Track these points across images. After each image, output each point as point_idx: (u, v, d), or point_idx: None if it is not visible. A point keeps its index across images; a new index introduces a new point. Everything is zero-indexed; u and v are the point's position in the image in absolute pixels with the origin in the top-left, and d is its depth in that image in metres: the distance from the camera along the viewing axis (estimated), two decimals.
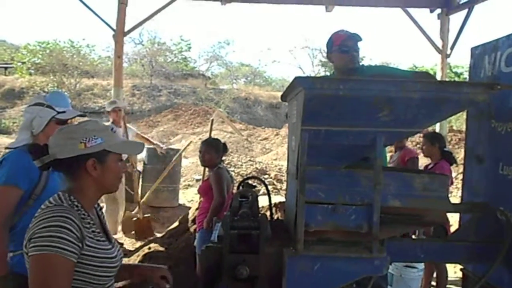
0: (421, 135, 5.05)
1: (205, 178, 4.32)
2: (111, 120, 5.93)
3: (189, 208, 6.36)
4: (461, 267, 2.62)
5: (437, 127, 7.45)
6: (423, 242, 2.40)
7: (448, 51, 7.40)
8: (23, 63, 22.18)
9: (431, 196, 1.98)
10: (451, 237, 2.50)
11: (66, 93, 2.77)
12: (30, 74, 22.09)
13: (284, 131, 16.24)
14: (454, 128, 17.07)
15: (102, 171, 1.54)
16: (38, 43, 22.74)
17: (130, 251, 5.48)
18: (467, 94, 1.79)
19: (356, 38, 2.90)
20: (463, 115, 17.89)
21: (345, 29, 2.99)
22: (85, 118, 2.10)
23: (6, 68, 24.89)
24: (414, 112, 1.85)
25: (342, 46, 2.90)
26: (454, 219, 3.63)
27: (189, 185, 10.19)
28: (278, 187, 9.49)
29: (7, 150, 2.41)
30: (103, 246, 1.52)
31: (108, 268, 1.52)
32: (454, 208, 2.16)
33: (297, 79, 1.78)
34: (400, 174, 2.03)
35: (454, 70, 20.79)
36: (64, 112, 2.41)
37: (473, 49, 2.66)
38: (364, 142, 1.91)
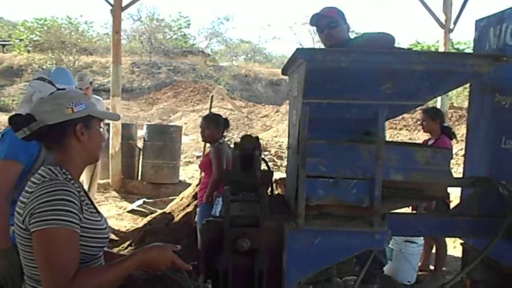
0: (420, 110, 4.98)
1: (206, 153, 4.31)
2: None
3: (190, 184, 6.37)
4: (462, 241, 2.63)
5: (438, 103, 7.39)
6: (424, 217, 2.40)
7: (451, 26, 7.27)
8: (21, 40, 21.96)
9: (433, 170, 1.96)
10: (452, 212, 2.49)
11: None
12: (28, 51, 21.89)
13: (284, 108, 16.19)
14: (455, 104, 17.02)
15: (88, 136, 1.55)
16: (36, 20, 22.48)
17: (132, 227, 5.52)
18: (472, 66, 1.75)
19: (328, 14, 2.89)
20: (464, 92, 17.92)
21: (326, 6, 2.96)
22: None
23: (3, 45, 24.65)
24: (417, 85, 1.81)
25: (318, 26, 2.94)
26: (454, 194, 3.63)
27: (189, 161, 10.21)
28: (278, 163, 9.51)
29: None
30: (94, 217, 1.52)
31: (100, 239, 1.52)
32: (457, 182, 2.15)
33: (298, 50, 1.74)
34: (402, 148, 2.01)
35: (456, 46, 20.56)
36: (63, 89, 2.39)
37: (478, 22, 2.60)
38: (366, 115, 1.88)
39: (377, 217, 1.86)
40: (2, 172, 2.25)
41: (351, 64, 1.73)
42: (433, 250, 4.39)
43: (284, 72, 2.32)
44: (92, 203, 1.61)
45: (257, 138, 2.20)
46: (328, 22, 2.87)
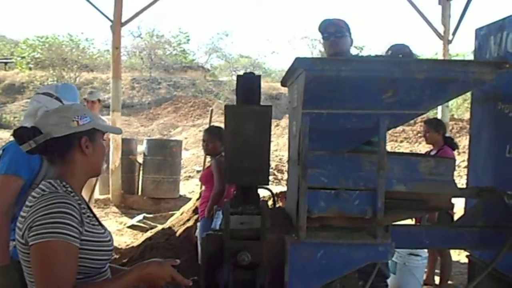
0: (421, 122, 4.95)
1: (207, 166, 4.27)
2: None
3: (190, 199, 6.32)
4: (467, 253, 2.57)
5: (438, 114, 7.37)
6: (428, 228, 2.35)
7: (450, 37, 7.30)
8: (23, 57, 22.09)
9: (437, 180, 1.93)
10: (457, 223, 2.45)
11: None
12: (30, 68, 22.01)
13: (284, 122, 16.17)
14: (455, 116, 17.01)
15: (93, 149, 1.55)
16: (37, 38, 22.62)
17: (132, 243, 5.45)
18: (474, 74, 1.73)
19: (338, 23, 2.95)
20: (464, 104, 17.91)
21: (334, 17, 3.05)
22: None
23: (6, 63, 24.80)
24: (419, 93, 1.79)
25: (324, 33, 2.98)
26: (457, 206, 3.57)
27: (190, 176, 10.16)
28: (279, 177, 9.46)
29: (11, 139, 2.40)
30: (97, 230, 1.49)
31: (104, 251, 1.50)
32: (461, 192, 2.11)
33: (297, 60, 1.71)
34: (405, 158, 1.98)
35: (455, 58, 20.64)
36: None
37: (478, 30, 2.59)
38: (367, 125, 1.85)
39: (380, 228, 1.82)
40: (2, 188, 2.23)
41: (351, 73, 1.71)
42: (438, 263, 4.32)
43: (283, 83, 2.30)
44: (94, 216, 1.58)
45: None
46: (335, 30, 2.93)
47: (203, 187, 4.31)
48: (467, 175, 2.66)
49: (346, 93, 1.76)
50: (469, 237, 2.18)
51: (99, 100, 5.41)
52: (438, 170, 1.94)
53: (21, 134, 1.46)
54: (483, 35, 2.51)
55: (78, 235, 1.37)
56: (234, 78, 27.26)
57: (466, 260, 4.49)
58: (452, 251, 4.27)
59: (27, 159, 2.15)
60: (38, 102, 2.36)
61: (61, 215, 1.35)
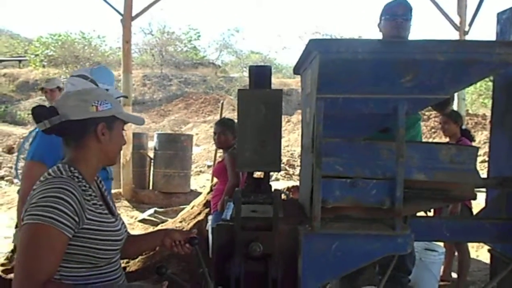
0: (435, 117, 4.82)
1: (220, 159, 4.19)
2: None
3: (201, 193, 6.28)
4: (489, 248, 2.47)
5: (455, 107, 7.22)
6: (449, 220, 2.26)
7: (466, 28, 7.12)
8: (36, 55, 22.31)
9: (458, 169, 1.84)
10: (479, 215, 2.34)
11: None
12: (43, 66, 22.22)
13: (295, 117, 16.07)
14: (470, 112, 16.75)
15: (109, 137, 1.49)
16: (50, 36, 22.85)
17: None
18: (499, 55, 1.63)
19: (407, 5, 2.73)
20: (479, 99, 17.59)
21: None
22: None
23: (20, 61, 25.05)
24: (440, 77, 1.69)
25: (389, 13, 2.73)
26: (475, 201, 3.44)
27: (200, 171, 10.14)
28: (291, 172, 9.38)
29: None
30: (105, 219, 1.44)
31: (112, 241, 1.44)
32: (484, 182, 2.01)
33: (311, 41, 1.63)
34: (425, 146, 1.89)
35: None
36: (107, 90, 2.18)
37: (500, 14, 2.47)
38: (385, 110, 1.76)
39: (398, 219, 1.73)
40: (27, 173, 2.21)
41: (368, 56, 1.62)
42: (455, 259, 4.21)
43: (296, 70, 2.22)
44: (107, 204, 1.53)
45: None
46: (404, 12, 2.71)
47: (216, 181, 4.25)
48: (488, 166, 2.55)
49: (363, 77, 1.67)
50: (491, 229, 2.08)
51: (59, 88, 4.66)
52: (460, 158, 1.84)
53: (38, 113, 1.42)
54: (505, 18, 2.39)
55: (71, 224, 1.31)
56: (245, 74, 27.21)
57: (484, 257, 4.39)
58: (470, 247, 4.15)
59: (52, 146, 2.08)
60: (73, 84, 2.25)
61: (55, 199, 1.30)
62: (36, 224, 1.28)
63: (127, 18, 7.22)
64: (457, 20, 7.24)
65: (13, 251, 4.18)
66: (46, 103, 4.82)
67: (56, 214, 1.28)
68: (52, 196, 1.30)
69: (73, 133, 1.45)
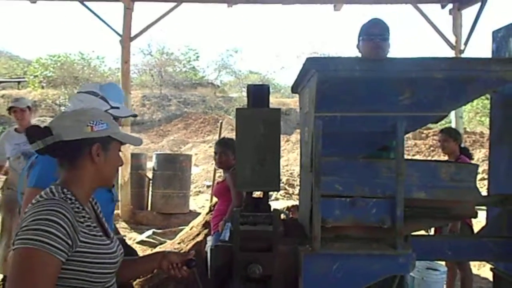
0: (433, 136, 4.82)
1: (220, 180, 4.15)
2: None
3: (200, 214, 6.23)
4: (491, 266, 2.43)
5: (453, 125, 7.24)
6: (450, 239, 2.23)
7: (462, 47, 7.19)
8: (35, 76, 22.40)
9: (459, 186, 1.82)
10: (481, 233, 2.32)
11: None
12: (42, 87, 22.28)
13: (294, 137, 16.09)
14: (468, 130, 16.80)
15: (104, 158, 1.45)
16: (50, 57, 22.98)
17: None
18: (496, 72, 1.64)
19: (383, 25, 2.71)
20: (476, 117, 17.63)
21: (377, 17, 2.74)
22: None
23: (19, 82, 25.12)
24: (438, 94, 1.70)
25: (366, 33, 2.68)
26: (476, 219, 3.41)
27: (199, 191, 10.08)
28: (290, 192, 9.33)
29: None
30: (99, 241, 1.40)
31: (107, 264, 1.39)
32: (484, 200, 1.99)
33: (309, 60, 1.64)
34: (425, 164, 1.88)
35: None
36: (118, 108, 2.17)
37: (495, 33, 2.50)
38: (384, 128, 1.76)
39: (400, 238, 1.71)
40: (29, 200, 2.11)
41: (365, 73, 1.63)
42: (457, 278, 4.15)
43: (294, 89, 2.22)
44: (102, 226, 1.49)
45: None
46: (381, 32, 2.65)
47: (216, 201, 4.21)
48: (488, 183, 2.53)
49: (361, 95, 1.68)
50: (494, 248, 2.06)
51: (29, 108, 4.38)
52: (460, 176, 1.83)
53: (32, 133, 1.40)
54: (501, 37, 2.41)
55: (63, 247, 1.26)
56: (244, 94, 27.29)
57: (487, 275, 4.32)
58: (472, 265, 4.10)
59: (56, 171, 2.04)
60: (80, 101, 2.12)
61: (47, 222, 1.26)
62: (27, 249, 1.23)
63: (126, 39, 7.28)
64: (452, 39, 7.32)
65: (3, 280, 4.09)
66: (15, 125, 4.48)
67: (48, 237, 1.24)
68: (44, 219, 1.26)
69: (67, 154, 1.42)
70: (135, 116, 2.54)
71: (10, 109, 4.46)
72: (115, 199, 2.24)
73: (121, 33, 7.25)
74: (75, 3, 7.32)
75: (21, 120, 4.34)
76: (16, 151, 4.22)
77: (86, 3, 7.27)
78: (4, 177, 4.69)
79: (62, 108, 18.05)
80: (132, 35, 7.37)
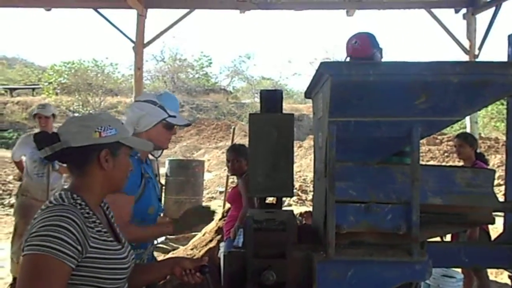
0: (447, 141, 4.74)
1: (234, 185, 4.15)
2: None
3: (213, 220, 6.23)
4: (509, 274, 2.38)
5: (467, 130, 7.14)
6: (467, 245, 2.19)
7: (476, 52, 7.11)
8: (50, 83, 22.73)
9: (475, 192, 1.79)
10: (498, 240, 2.27)
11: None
12: (57, 94, 22.60)
13: (307, 143, 16.04)
14: (483, 135, 16.59)
15: (113, 164, 1.44)
16: (64, 64, 23.31)
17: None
18: None
19: (362, 50, 2.48)
20: (491, 122, 17.37)
21: (362, 32, 2.60)
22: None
23: (33, 89, 25.55)
24: (454, 98, 1.67)
25: (350, 55, 2.51)
26: (492, 225, 3.35)
27: (212, 197, 10.09)
28: (303, 197, 9.29)
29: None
30: (110, 246, 1.39)
31: (118, 270, 1.38)
32: (502, 206, 1.95)
33: (322, 64, 1.63)
34: (440, 169, 1.85)
35: None
36: (174, 116, 2.21)
37: (511, 37, 2.46)
38: (399, 133, 1.74)
39: (416, 245, 1.68)
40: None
41: (380, 77, 1.61)
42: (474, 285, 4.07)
43: (307, 94, 2.21)
44: (113, 230, 1.49)
45: None
46: (366, 56, 2.45)
47: (229, 206, 4.20)
48: (505, 189, 2.48)
49: (375, 99, 1.66)
50: (511, 255, 2.01)
51: (53, 115, 4.58)
52: (477, 182, 1.80)
53: (40, 140, 1.39)
54: None
55: (73, 253, 1.25)
56: (257, 100, 27.37)
57: (506, 281, 4.24)
58: (489, 272, 4.02)
59: (131, 175, 2.04)
60: (141, 110, 2.16)
61: (56, 228, 1.24)
62: (36, 255, 1.22)
63: (139, 46, 7.34)
64: (466, 44, 7.24)
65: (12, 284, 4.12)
66: (30, 131, 4.66)
67: (57, 243, 1.23)
68: (53, 225, 1.25)
69: (75, 160, 1.41)
70: (189, 125, 2.58)
71: (35, 115, 4.62)
72: (159, 210, 2.27)
73: (134, 39, 7.32)
74: (89, 10, 7.41)
75: (45, 127, 4.47)
76: (32, 154, 4.31)
77: (100, 10, 7.35)
78: (19, 182, 4.77)
79: (76, 115, 18.35)
80: (145, 41, 7.43)
